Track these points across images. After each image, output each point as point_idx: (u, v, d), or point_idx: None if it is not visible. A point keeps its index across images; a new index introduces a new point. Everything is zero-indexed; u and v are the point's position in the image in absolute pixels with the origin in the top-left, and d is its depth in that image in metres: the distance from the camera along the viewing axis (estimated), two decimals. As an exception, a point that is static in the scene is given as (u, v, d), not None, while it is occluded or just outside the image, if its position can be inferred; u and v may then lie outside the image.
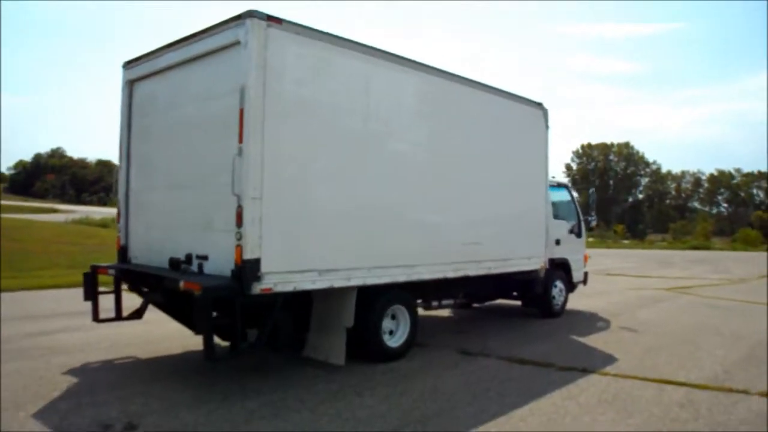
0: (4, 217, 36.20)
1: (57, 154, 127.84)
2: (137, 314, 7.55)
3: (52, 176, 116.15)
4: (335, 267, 6.43)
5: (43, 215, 49.11)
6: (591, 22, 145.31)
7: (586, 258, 11.92)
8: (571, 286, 11.30)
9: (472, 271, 8.29)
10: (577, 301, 12.21)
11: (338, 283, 6.48)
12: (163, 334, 8.19)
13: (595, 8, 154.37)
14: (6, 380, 6.09)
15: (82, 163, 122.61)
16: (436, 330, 9.52)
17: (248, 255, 5.65)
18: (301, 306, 6.84)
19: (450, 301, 9.17)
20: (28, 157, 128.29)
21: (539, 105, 9.71)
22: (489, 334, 9.13)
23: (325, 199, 6.41)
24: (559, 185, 11.44)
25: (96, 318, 7.27)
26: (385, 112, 7.06)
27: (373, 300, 7.13)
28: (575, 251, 11.35)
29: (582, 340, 8.89)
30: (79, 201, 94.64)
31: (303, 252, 6.14)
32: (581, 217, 11.60)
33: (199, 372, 6.62)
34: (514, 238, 9.13)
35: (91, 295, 7.24)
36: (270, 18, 5.84)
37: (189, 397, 5.76)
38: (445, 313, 10.90)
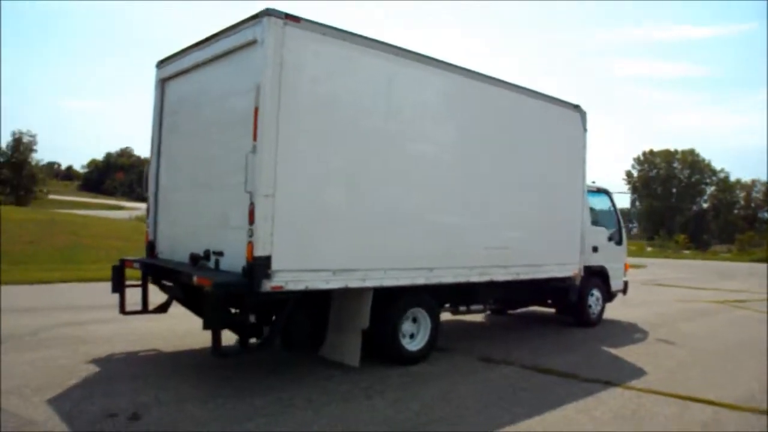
0: (72, 213, 37.97)
1: (126, 153, 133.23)
2: (162, 308, 7.70)
3: (121, 174, 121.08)
4: (350, 267, 6.38)
5: (109, 212, 51.38)
6: (646, 26, 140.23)
7: (626, 267, 11.46)
8: (609, 296, 10.89)
9: (499, 276, 8.08)
10: (617, 311, 11.77)
11: (353, 284, 6.42)
12: (189, 329, 8.28)
13: (648, 10, 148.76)
14: (29, 367, 6.34)
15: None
16: (465, 335, 9.35)
17: (259, 252, 5.66)
18: (320, 305, 6.83)
19: (479, 307, 8.93)
20: (100, 156, 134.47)
21: (576, 107, 9.40)
22: (518, 342, 8.90)
23: (342, 198, 6.38)
24: (599, 191, 11.04)
25: (122, 310, 7.47)
26: (408, 113, 6.98)
27: (392, 302, 7.05)
28: (614, 259, 10.92)
29: (613, 351, 8.54)
30: (144, 198, 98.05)
31: (317, 251, 6.12)
32: (622, 225, 11.16)
33: (217, 367, 6.67)
34: (545, 244, 8.86)
35: (119, 287, 7.43)
36: (288, 16, 5.85)
37: (200, 392, 5.82)
38: (478, 318, 10.69)
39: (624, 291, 11.36)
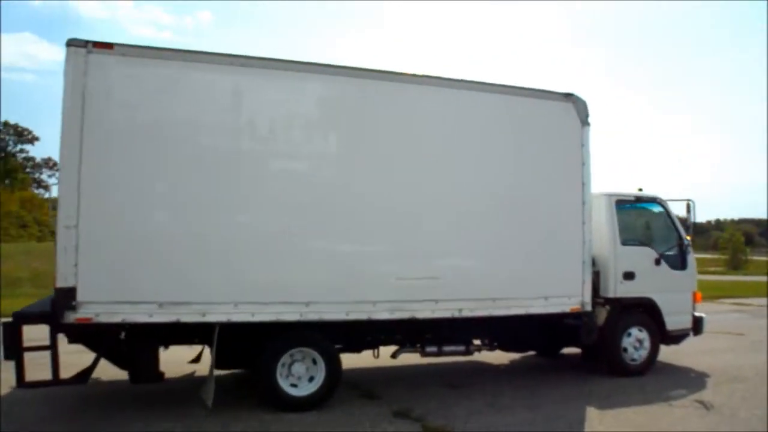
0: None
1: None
2: None
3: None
4: (183, 300, 5.91)
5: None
6: None
7: (697, 298, 8.54)
8: (664, 337, 8.24)
9: (425, 312, 6.71)
10: (709, 356, 9.03)
11: (188, 318, 5.93)
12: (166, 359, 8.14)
13: None
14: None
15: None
16: (427, 380, 7.86)
17: (61, 283, 5.58)
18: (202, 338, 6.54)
19: (459, 348, 7.51)
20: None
21: (568, 96, 7.43)
22: (483, 393, 7.23)
23: (171, 226, 5.97)
24: (640, 200, 8.41)
25: None
26: (265, 127, 6.31)
27: (266, 340, 6.37)
28: (670, 288, 8.23)
29: (598, 412, 6.47)
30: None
31: (136, 282, 5.80)
32: (685, 242, 8.39)
33: (114, 399, 6.70)
34: (510, 272, 7.09)
35: None
36: (97, 44, 5.76)
37: (51, 424, 5.86)
38: (490, 359, 8.95)
39: (696, 330, 8.50)
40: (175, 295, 5.88)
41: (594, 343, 7.80)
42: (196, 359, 7.72)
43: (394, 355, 7.49)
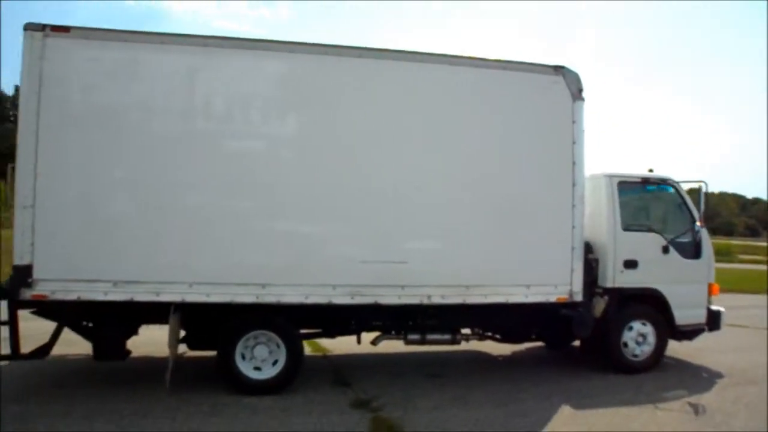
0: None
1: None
2: None
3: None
4: (138, 279, 5.95)
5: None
6: None
7: (714, 290, 7.67)
8: (673, 331, 7.48)
9: (390, 298, 6.43)
10: (728, 355, 8.21)
11: (142, 297, 5.96)
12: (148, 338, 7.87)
13: None
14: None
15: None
16: (410, 370, 7.57)
17: (17, 261, 5.77)
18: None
19: (443, 336, 7.18)
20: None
21: (557, 69, 6.85)
22: (459, 385, 6.90)
23: (127, 206, 6.04)
24: (647, 182, 7.60)
25: None
26: (221, 108, 6.23)
27: (224, 322, 6.34)
28: (680, 279, 7.44)
29: (571, 411, 6.01)
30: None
31: (91, 261, 5.89)
32: (699, 229, 7.54)
33: (73, 378, 6.80)
34: (486, 257, 6.65)
35: None
36: (55, 28, 5.87)
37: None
38: (490, 349, 8.51)
39: (711, 325, 7.64)
40: (130, 274, 5.93)
41: (592, 336, 7.22)
42: (182, 340, 7.81)
43: (374, 342, 7.28)
